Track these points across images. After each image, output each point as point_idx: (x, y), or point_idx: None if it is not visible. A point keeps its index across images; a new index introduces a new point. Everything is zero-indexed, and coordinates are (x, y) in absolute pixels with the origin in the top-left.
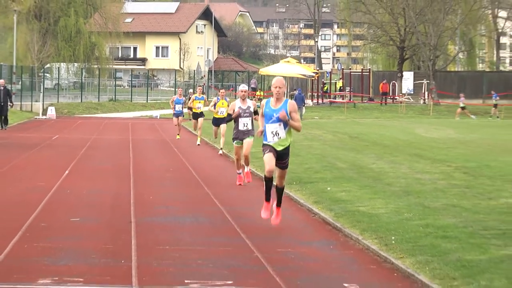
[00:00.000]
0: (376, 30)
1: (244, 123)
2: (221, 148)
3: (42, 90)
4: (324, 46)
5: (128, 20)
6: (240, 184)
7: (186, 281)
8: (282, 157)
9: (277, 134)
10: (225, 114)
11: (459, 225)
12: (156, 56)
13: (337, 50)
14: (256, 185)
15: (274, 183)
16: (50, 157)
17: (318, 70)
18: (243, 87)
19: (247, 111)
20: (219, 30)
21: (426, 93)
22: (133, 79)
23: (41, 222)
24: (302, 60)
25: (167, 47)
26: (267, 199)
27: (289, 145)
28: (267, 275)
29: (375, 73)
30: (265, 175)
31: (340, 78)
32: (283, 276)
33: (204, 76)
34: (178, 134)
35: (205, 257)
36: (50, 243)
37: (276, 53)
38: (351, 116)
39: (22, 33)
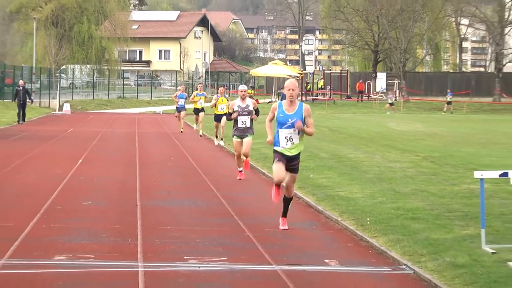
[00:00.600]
0: (353, 36)
1: (243, 121)
2: (222, 139)
3: (58, 89)
4: (308, 50)
5: (135, 26)
6: (240, 179)
7: (185, 257)
8: (292, 160)
9: (290, 140)
10: (225, 110)
11: (426, 208)
12: (159, 58)
13: (319, 53)
14: (248, 173)
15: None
16: (65, 148)
17: (302, 71)
18: (242, 87)
19: (245, 109)
20: (214, 36)
21: (397, 91)
22: (138, 79)
23: (57, 205)
24: (288, 62)
25: (169, 51)
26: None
27: (300, 151)
28: (257, 252)
29: (352, 73)
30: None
31: (321, 78)
32: (271, 252)
33: (202, 76)
34: (182, 128)
35: (202, 236)
36: (65, 224)
37: (265, 56)
38: (331, 111)
39: (41, 38)
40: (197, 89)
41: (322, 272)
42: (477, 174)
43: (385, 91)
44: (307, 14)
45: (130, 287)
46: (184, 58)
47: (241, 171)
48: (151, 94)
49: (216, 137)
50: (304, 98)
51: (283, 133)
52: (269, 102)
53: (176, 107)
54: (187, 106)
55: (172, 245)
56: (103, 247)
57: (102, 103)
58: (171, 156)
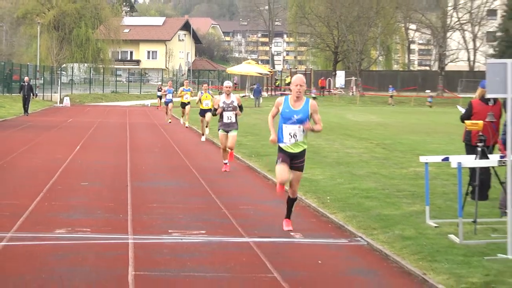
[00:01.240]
0: (316, 39)
1: (228, 116)
2: (204, 133)
3: (59, 84)
4: (277, 51)
5: (126, 30)
6: (225, 171)
7: (169, 230)
8: (297, 157)
9: (294, 136)
10: (210, 106)
11: (378, 188)
12: (148, 58)
13: (287, 54)
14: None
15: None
16: (65, 136)
17: (271, 69)
18: (227, 83)
19: (230, 105)
20: (196, 39)
21: (354, 87)
22: (129, 76)
23: (58, 185)
24: (259, 62)
25: (156, 52)
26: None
27: (305, 149)
28: (232, 226)
29: (315, 71)
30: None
31: (288, 76)
32: (244, 226)
33: (184, 74)
34: (169, 119)
35: (184, 213)
36: (65, 202)
37: (239, 56)
38: None
39: (44, 40)
40: (183, 85)
41: (288, 243)
42: (423, 159)
43: (343, 86)
44: (276, 20)
45: (121, 256)
46: (169, 58)
47: (226, 163)
48: (141, 89)
49: (203, 134)
50: (273, 93)
51: (287, 129)
52: (243, 96)
53: (165, 101)
54: (174, 99)
55: (158, 220)
56: (98, 222)
57: (97, 97)
58: (158, 143)
